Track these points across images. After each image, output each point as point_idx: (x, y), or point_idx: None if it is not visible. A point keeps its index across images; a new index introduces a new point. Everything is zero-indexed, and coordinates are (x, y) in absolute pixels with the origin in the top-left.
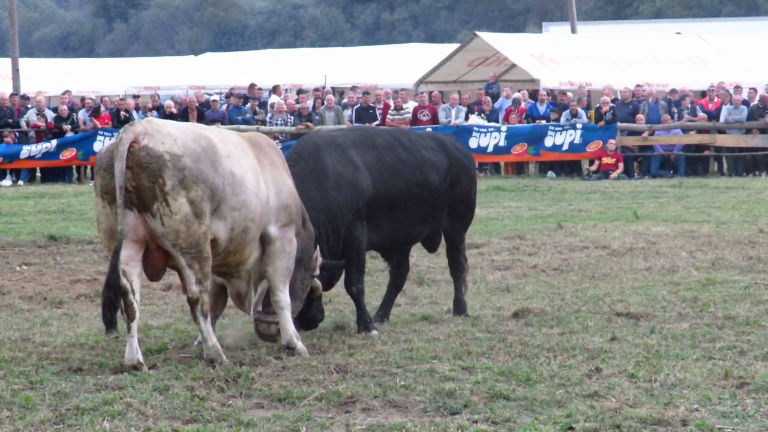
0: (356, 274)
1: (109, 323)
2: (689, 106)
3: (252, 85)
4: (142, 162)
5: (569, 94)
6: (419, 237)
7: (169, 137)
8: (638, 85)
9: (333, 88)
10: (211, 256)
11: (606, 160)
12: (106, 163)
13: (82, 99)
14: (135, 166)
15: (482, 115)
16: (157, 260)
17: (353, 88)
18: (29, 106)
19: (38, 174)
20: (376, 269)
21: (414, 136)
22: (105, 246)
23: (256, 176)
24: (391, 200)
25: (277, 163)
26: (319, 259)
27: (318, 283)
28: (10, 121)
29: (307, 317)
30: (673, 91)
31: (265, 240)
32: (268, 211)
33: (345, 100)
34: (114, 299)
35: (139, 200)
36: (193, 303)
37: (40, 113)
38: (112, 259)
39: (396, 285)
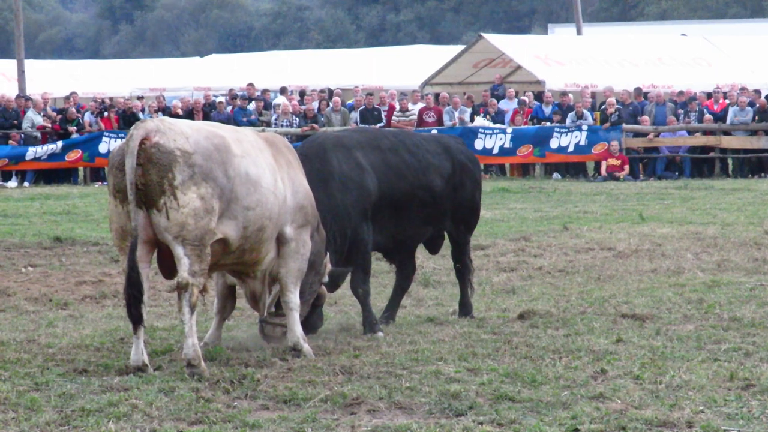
0: (362, 276)
1: (137, 320)
2: (697, 108)
3: (250, 86)
4: (152, 158)
5: (570, 95)
6: (421, 239)
7: (181, 135)
8: (637, 88)
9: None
10: (210, 255)
11: (611, 161)
12: (117, 161)
13: (102, 102)
14: (145, 162)
15: (487, 116)
16: (171, 258)
17: (355, 89)
18: (29, 107)
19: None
20: (381, 271)
21: (419, 139)
22: (116, 245)
23: (273, 174)
24: (394, 202)
25: (293, 164)
26: (329, 265)
27: (324, 290)
28: (15, 122)
29: (308, 322)
30: (680, 93)
31: (280, 240)
32: (285, 210)
33: (351, 101)
34: (138, 296)
35: (146, 196)
36: (180, 288)
37: (40, 113)
38: (129, 257)
39: (402, 286)
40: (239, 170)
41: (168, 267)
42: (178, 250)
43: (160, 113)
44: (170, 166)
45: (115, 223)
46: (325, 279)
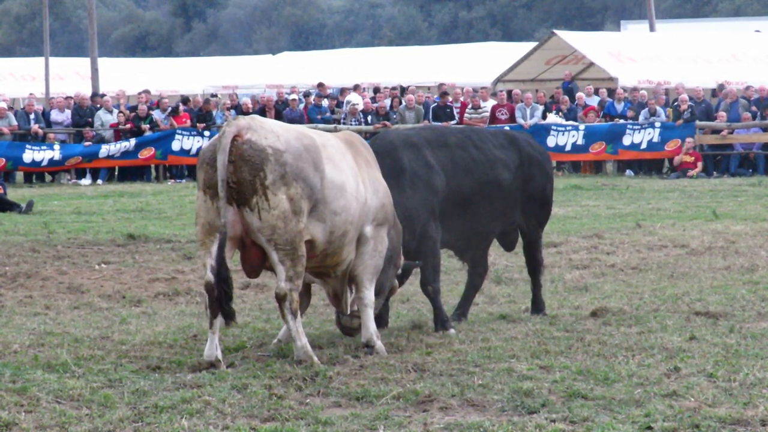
0: (432, 274)
1: (229, 316)
2: None
3: (320, 84)
4: (244, 155)
5: (643, 92)
6: (491, 235)
7: (272, 133)
8: (720, 85)
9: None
10: (305, 255)
11: (685, 158)
12: (209, 157)
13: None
14: (237, 159)
15: (560, 113)
16: (254, 257)
17: (429, 88)
18: (97, 105)
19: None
20: (453, 268)
21: (485, 134)
22: (199, 240)
23: (355, 179)
24: (462, 199)
25: (371, 162)
26: (402, 258)
27: (396, 282)
28: (90, 120)
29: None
30: (752, 89)
31: (359, 240)
32: (366, 212)
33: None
34: (228, 291)
35: (239, 194)
36: (280, 299)
37: (111, 112)
38: (217, 253)
39: (474, 284)
40: (327, 174)
41: (250, 265)
42: (273, 256)
43: (232, 111)
44: (262, 165)
45: (202, 218)
46: (399, 272)
